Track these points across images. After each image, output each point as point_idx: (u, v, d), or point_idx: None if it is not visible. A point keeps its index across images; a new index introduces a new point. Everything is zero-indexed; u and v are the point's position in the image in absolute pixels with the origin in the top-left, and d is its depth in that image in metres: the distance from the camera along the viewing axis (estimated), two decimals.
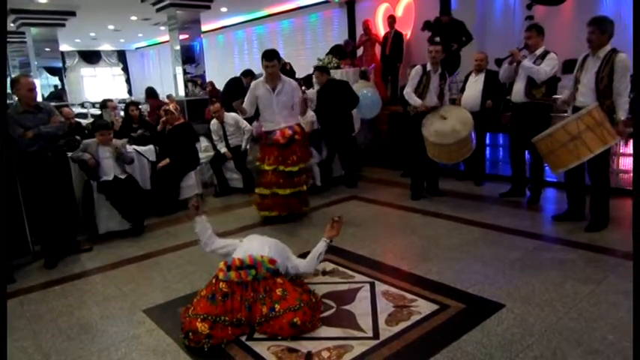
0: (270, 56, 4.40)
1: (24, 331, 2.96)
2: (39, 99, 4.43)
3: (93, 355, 2.62)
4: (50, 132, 3.91)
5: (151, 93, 8.58)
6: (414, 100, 5.05)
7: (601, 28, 3.82)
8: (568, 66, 5.61)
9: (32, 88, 3.96)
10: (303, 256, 3.33)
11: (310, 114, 5.92)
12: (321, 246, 3.23)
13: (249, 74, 7.39)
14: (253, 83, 4.67)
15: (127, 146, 5.06)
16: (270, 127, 4.59)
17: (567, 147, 3.82)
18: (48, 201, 4.03)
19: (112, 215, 4.67)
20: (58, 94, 11.62)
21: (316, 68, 6.45)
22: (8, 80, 5.19)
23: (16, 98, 3.97)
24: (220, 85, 8.93)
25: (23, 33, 11.77)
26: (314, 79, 7.43)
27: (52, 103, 5.02)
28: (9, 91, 4.50)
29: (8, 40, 13.93)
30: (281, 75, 4.55)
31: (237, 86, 7.23)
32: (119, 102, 11.13)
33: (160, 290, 3.39)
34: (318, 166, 5.99)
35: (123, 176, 4.73)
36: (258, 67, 9.13)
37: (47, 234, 4.08)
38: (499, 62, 4.74)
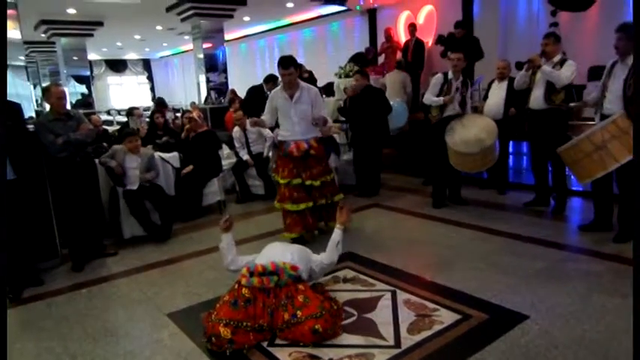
0: (286, 64, 4.09)
1: (51, 332, 3.04)
2: (67, 106, 4.56)
3: (118, 357, 2.67)
4: (79, 139, 4.03)
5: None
6: (436, 100, 5.04)
7: (628, 35, 3.76)
8: (593, 72, 5.54)
9: (62, 97, 4.09)
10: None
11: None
12: (337, 234, 3.20)
13: (270, 80, 7.32)
14: (272, 92, 4.43)
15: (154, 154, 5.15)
16: (286, 137, 4.28)
17: (592, 157, 3.76)
18: (76, 205, 4.14)
19: (136, 221, 4.76)
20: (86, 102, 11.97)
21: (357, 72, 6.44)
22: (37, 89, 5.37)
23: (48, 106, 4.12)
24: (242, 93, 9.06)
25: (53, 43, 12.19)
26: (340, 86, 7.52)
27: (80, 111, 5.17)
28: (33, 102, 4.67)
29: (39, 49, 14.45)
30: (300, 82, 4.27)
31: (258, 94, 7.26)
32: (143, 110, 11.37)
33: (183, 295, 3.45)
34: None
35: (147, 184, 4.82)
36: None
37: (75, 238, 4.19)
38: (520, 66, 4.69)
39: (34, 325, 3.15)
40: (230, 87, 10.29)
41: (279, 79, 4.53)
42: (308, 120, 4.21)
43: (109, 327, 3.06)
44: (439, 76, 5.15)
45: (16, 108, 3.71)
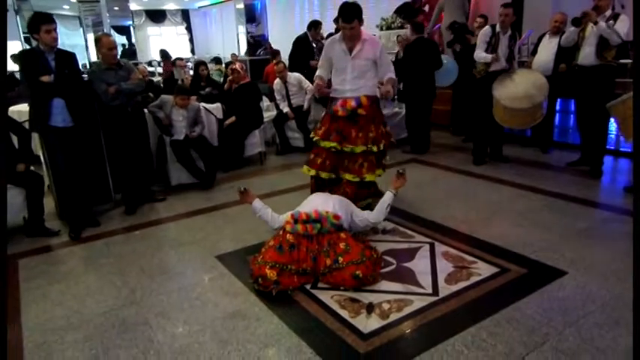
0: (348, 16, 3.43)
1: (111, 268, 3.30)
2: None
3: (173, 293, 2.89)
4: (130, 88, 4.18)
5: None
6: (483, 56, 4.92)
7: None
8: None
9: (112, 47, 4.20)
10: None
11: None
12: (388, 197, 3.31)
13: (314, 25, 6.99)
14: (328, 41, 3.86)
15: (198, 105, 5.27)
16: (336, 93, 3.77)
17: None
18: (127, 153, 4.35)
19: (183, 169, 4.97)
20: (130, 52, 12.16)
21: (411, 23, 6.19)
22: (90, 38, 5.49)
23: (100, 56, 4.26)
24: (280, 45, 8.97)
25: None
26: (382, 39, 7.32)
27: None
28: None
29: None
30: (363, 32, 3.63)
31: (304, 45, 7.07)
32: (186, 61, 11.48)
33: (230, 239, 3.64)
34: None
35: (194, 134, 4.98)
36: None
37: (127, 183, 4.43)
38: (577, 22, 4.47)
39: (95, 262, 3.42)
40: (269, 39, 10.22)
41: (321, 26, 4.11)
42: (365, 77, 3.67)
43: (163, 265, 3.29)
44: (487, 30, 5.00)
45: (71, 56, 3.85)
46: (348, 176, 3.69)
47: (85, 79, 4.21)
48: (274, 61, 7.68)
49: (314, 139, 3.86)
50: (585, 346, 2.19)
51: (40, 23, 3.57)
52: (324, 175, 3.78)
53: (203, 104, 5.52)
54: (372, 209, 3.41)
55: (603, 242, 3.26)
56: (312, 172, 3.82)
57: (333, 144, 3.68)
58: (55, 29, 3.65)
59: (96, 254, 3.56)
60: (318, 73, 3.84)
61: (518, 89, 4.67)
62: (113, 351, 2.38)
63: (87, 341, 2.47)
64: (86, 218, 4.06)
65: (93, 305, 2.81)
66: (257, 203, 3.33)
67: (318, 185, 3.86)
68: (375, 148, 3.68)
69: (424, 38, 5.98)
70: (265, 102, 6.73)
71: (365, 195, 3.85)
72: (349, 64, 3.64)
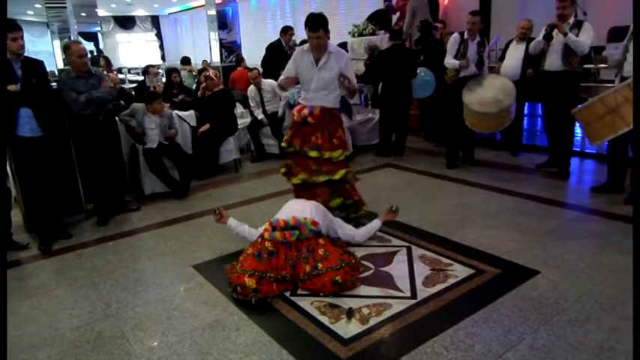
0: (314, 25, 3.44)
1: (84, 281, 3.21)
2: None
3: (150, 304, 2.84)
4: (101, 96, 4.09)
5: (185, 61, 8.80)
6: (453, 63, 5.04)
7: None
8: (614, 34, 5.42)
9: (82, 55, 4.10)
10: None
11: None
12: (377, 224, 3.48)
13: (288, 30, 7.04)
14: (298, 50, 3.85)
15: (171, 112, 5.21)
16: (302, 101, 3.83)
17: (604, 120, 3.78)
18: (99, 162, 4.25)
19: (157, 178, 4.89)
20: (96, 60, 11.89)
21: (389, 31, 6.49)
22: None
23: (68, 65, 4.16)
24: (252, 51, 8.96)
25: None
26: (354, 46, 7.41)
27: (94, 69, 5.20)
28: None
29: (48, 5, 14.25)
30: (330, 45, 3.65)
31: (278, 51, 7.06)
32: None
33: (206, 248, 3.60)
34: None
35: (167, 142, 4.91)
36: None
37: (99, 193, 4.33)
38: (548, 37, 4.57)
39: (68, 275, 3.33)
40: (241, 45, 10.19)
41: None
42: (329, 89, 3.66)
43: (138, 277, 3.23)
44: (456, 36, 5.13)
45: (39, 65, 3.75)
46: (321, 178, 3.71)
47: (54, 87, 4.11)
48: (241, 68, 7.67)
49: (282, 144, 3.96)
50: (559, 343, 2.26)
51: (6, 31, 3.47)
52: (295, 180, 3.84)
53: (176, 111, 5.46)
54: (344, 209, 3.54)
55: (573, 241, 3.38)
56: (295, 181, 3.85)
57: (293, 148, 3.79)
58: (21, 37, 3.55)
59: (68, 267, 3.47)
60: (281, 77, 3.88)
61: (487, 94, 4.80)
62: None
63: (61, 357, 2.39)
64: (56, 230, 3.95)
65: (66, 320, 2.73)
66: (231, 222, 3.34)
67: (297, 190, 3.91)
68: (327, 155, 3.67)
69: (401, 45, 6.09)
70: (239, 109, 6.70)
71: (338, 195, 3.81)
72: (315, 76, 3.63)
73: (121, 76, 13.78)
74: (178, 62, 10.80)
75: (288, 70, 3.81)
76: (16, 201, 4.27)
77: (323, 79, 3.63)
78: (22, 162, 3.73)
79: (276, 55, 6.87)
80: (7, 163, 4.12)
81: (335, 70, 3.59)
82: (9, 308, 2.89)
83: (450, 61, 5.12)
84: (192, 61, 11.09)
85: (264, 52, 7.40)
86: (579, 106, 3.98)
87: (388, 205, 3.61)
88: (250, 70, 7.05)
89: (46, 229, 3.86)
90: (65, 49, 4.16)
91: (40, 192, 3.79)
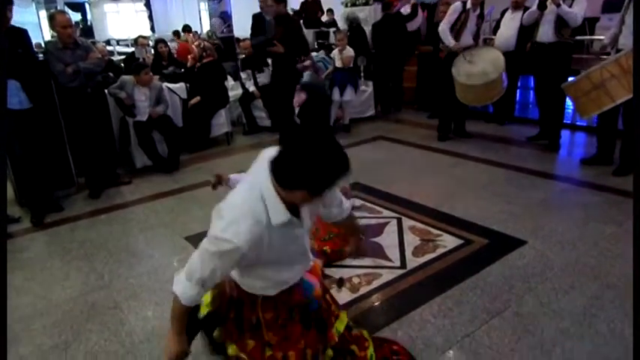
0: None
1: (77, 253, 3.24)
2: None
3: (143, 276, 2.87)
4: (89, 68, 4.03)
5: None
6: (449, 41, 4.94)
7: None
8: (608, 5, 5.39)
9: (67, 25, 3.99)
10: None
11: (348, 49, 5.86)
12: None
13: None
14: None
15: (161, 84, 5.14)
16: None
17: (590, 95, 3.80)
18: (89, 135, 4.21)
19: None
20: (85, 31, 11.63)
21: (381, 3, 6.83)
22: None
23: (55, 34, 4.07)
24: (244, 23, 8.75)
25: None
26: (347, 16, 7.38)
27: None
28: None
29: None
30: None
31: (260, 21, 6.92)
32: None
33: (199, 220, 3.61)
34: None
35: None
36: None
37: (90, 166, 4.31)
38: (542, 6, 4.52)
39: (60, 247, 3.35)
40: (232, 16, 9.96)
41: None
42: None
43: (131, 249, 3.26)
44: (457, 5, 4.97)
45: (23, 33, 3.65)
46: None
47: (41, 58, 4.03)
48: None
49: None
50: (543, 310, 2.33)
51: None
52: None
53: (166, 84, 5.39)
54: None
55: (560, 212, 3.43)
56: None
57: None
58: (10, 9, 3.44)
59: (60, 240, 3.48)
60: None
61: (476, 67, 4.76)
62: (84, 335, 2.36)
63: (56, 327, 2.43)
64: (48, 203, 3.94)
65: (60, 291, 2.77)
66: (233, 176, 3.15)
67: None
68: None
69: (392, 16, 6.08)
70: (230, 81, 6.62)
71: None
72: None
73: (109, 47, 13.53)
74: (169, 33, 10.59)
75: None
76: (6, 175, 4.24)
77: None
78: (10, 135, 3.68)
79: (259, 26, 6.74)
80: None
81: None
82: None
83: (446, 34, 4.94)
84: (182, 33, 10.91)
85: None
86: (569, 79, 3.99)
87: (379, 178, 3.60)
88: (241, 40, 6.93)
89: (37, 203, 3.85)
90: (50, 19, 4.06)
91: (30, 165, 3.76)
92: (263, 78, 6.21)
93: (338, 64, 5.86)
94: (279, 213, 1.38)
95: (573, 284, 2.53)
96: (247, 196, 1.41)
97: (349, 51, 5.87)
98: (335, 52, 5.94)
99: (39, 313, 2.56)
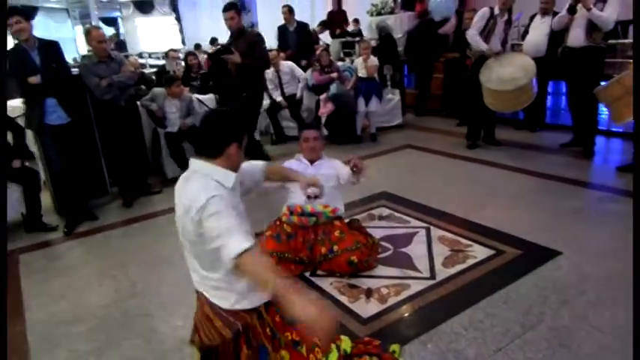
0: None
1: (112, 260, 3.32)
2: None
3: (174, 284, 2.91)
4: (122, 81, 4.15)
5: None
6: (481, 44, 4.88)
7: None
8: None
9: (102, 40, 4.15)
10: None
11: (372, 58, 5.88)
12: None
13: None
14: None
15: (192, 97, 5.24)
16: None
17: (623, 100, 3.69)
18: (122, 146, 4.34)
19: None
20: (118, 44, 12.03)
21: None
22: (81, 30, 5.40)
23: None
24: (270, 33, 8.87)
25: None
26: (372, 25, 7.46)
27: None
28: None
29: None
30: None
31: (281, 32, 7.01)
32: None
33: None
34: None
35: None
36: (306, 15, 9.06)
37: (123, 176, 4.43)
38: (572, 10, 4.44)
39: (95, 255, 3.45)
40: (259, 26, 10.12)
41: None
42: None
43: (162, 257, 3.31)
44: (485, 11, 4.92)
45: (55, 46, 3.75)
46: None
47: (76, 72, 4.18)
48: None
49: None
50: (580, 324, 2.25)
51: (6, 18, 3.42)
52: None
53: (196, 95, 5.50)
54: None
55: (597, 222, 3.32)
56: None
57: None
58: (17, 21, 3.45)
59: (95, 248, 3.58)
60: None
61: (505, 72, 4.68)
62: (117, 342, 2.41)
63: (91, 333, 2.50)
64: (83, 213, 4.07)
65: (95, 298, 2.84)
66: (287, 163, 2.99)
67: None
68: None
69: (424, 22, 6.53)
70: None
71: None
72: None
73: (141, 60, 13.93)
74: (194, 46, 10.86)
75: None
76: (45, 185, 4.40)
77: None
78: (50, 150, 3.83)
79: (282, 37, 6.88)
80: (35, 147, 4.24)
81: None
82: (41, 287, 3.02)
83: (475, 38, 4.88)
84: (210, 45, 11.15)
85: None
86: (601, 84, 3.89)
87: (407, 187, 3.57)
88: (268, 51, 7.01)
89: (72, 213, 3.98)
90: (86, 34, 4.22)
91: (67, 177, 3.90)
92: (290, 88, 6.27)
93: (362, 73, 5.86)
94: (227, 176, 1.59)
95: (615, 298, 2.43)
96: (200, 181, 1.56)
97: (373, 60, 5.87)
98: (358, 62, 5.95)
99: (75, 319, 2.64)
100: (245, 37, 4.74)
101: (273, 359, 1.64)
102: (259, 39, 4.87)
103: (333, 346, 1.79)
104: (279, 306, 1.46)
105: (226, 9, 4.63)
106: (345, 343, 1.88)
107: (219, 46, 5.07)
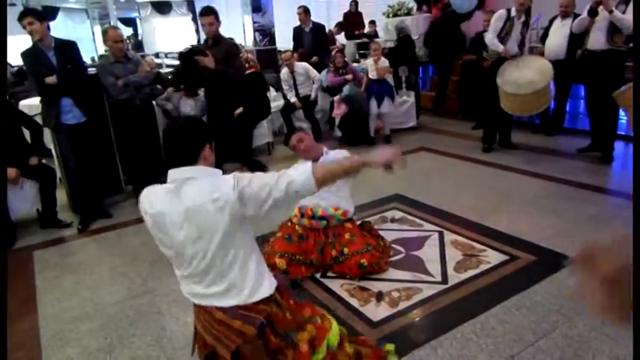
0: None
1: (124, 257, 3.35)
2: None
3: None
4: (138, 80, 4.20)
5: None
6: (497, 45, 4.83)
7: None
8: None
9: (118, 40, 4.20)
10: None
11: (383, 59, 5.85)
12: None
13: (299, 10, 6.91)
14: None
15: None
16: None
17: None
18: (137, 145, 4.38)
19: None
20: (136, 44, 12.17)
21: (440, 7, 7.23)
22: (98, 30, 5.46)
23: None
24: (287, 34, 8.92)
25: None
26: (388, 26, 7.46)
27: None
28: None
29: None
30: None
31: (297, 33, 7.05)
32: None
33: None
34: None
35: None
36: (322, 16, 9.04)
37: (137, 175, 4.47)
38: (593, 13, 4.37)
39: (108, 252, 3.48)
40: (276, 28, 10.16)
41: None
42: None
43: None
44: (502, 13, 4.87)
45: (72, 46, 3.78)
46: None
47: (93, 72, 4.23)
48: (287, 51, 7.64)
49: None
50: (595, 333, 2.20)
51: (20, 20, 3.49)
52: None
53: None
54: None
55: (615, 228, 3.24)
56: None
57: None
58: (29, 22, 3.49)
59: (109, 245, 3.62)
60: None
61: (522, 75, 4.61)
62: (128, 339, 2.43)
63: (102, 330, 2.52)
64: (98, 210, 4.11)
65: (107, 295, 2.87)
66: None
67: None
68: None
69: (446, 16, 6.60)
70: (272, 92, 6.72)
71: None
72: None
73: (158, 60, 14.07)
74: None
75: None
76: (61, 182, 4.47)
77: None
78: (66, 149, 3.89)
79: (298, 38, 6.89)
80: (52, 145, 4.31)
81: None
82: (54, 282, 3.06)
83: (493, 41, 4.84)
84: None
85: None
86: (622, 87, 3.79)
87: (420, 190, 3.52)
88: (283, 52, 7.04)
89: (87, 210, 4.02)
90: (103, 34, 4.28)
91: (82, 175, 3.95)
92: (304, 89, 6.27)
93: (372, 75, 5.84)
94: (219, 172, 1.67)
95: None
96: (207, 179, 1.60)
97: (384, 62, 5.85)
98: (369, 63, 5.93)
99: (87, 316, 2.66)
100: (221, 46, 4.52)
101: (300, 338, 1.66)
102: (236, 51, 4.74)
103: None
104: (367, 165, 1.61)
105: (206, 13, 4.36)
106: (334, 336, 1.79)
107: (190, 47, 4.67)
